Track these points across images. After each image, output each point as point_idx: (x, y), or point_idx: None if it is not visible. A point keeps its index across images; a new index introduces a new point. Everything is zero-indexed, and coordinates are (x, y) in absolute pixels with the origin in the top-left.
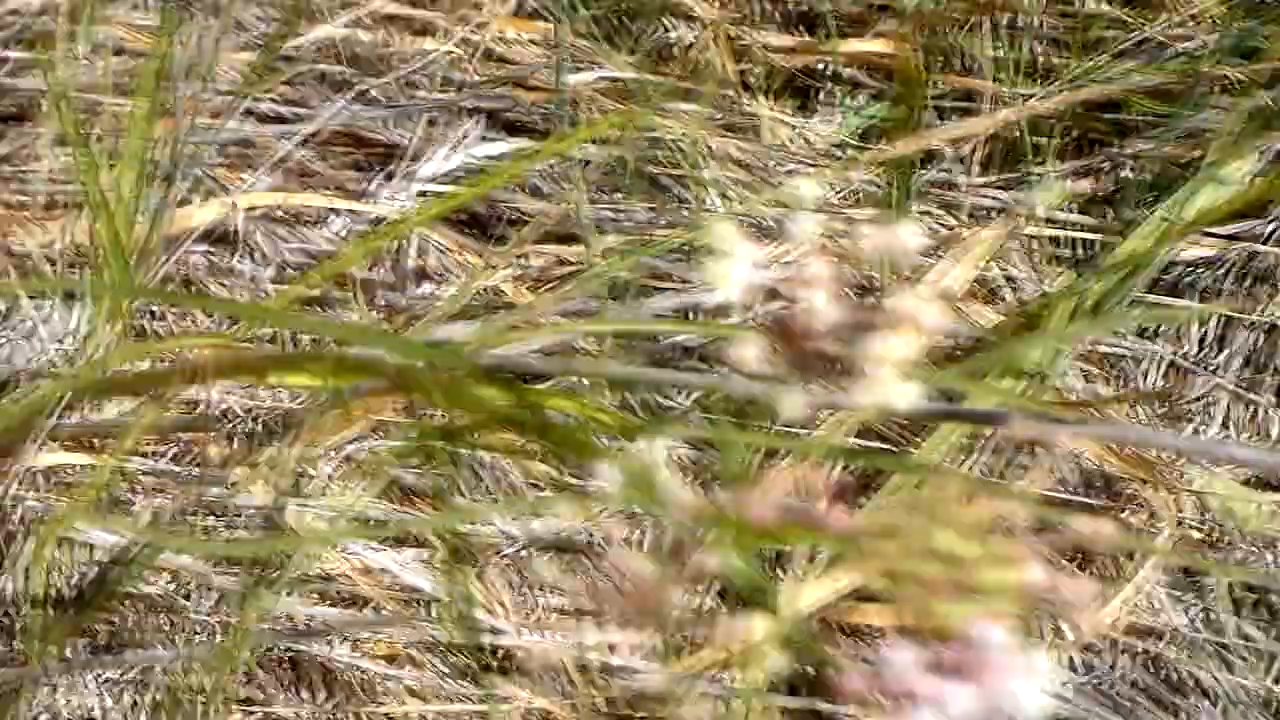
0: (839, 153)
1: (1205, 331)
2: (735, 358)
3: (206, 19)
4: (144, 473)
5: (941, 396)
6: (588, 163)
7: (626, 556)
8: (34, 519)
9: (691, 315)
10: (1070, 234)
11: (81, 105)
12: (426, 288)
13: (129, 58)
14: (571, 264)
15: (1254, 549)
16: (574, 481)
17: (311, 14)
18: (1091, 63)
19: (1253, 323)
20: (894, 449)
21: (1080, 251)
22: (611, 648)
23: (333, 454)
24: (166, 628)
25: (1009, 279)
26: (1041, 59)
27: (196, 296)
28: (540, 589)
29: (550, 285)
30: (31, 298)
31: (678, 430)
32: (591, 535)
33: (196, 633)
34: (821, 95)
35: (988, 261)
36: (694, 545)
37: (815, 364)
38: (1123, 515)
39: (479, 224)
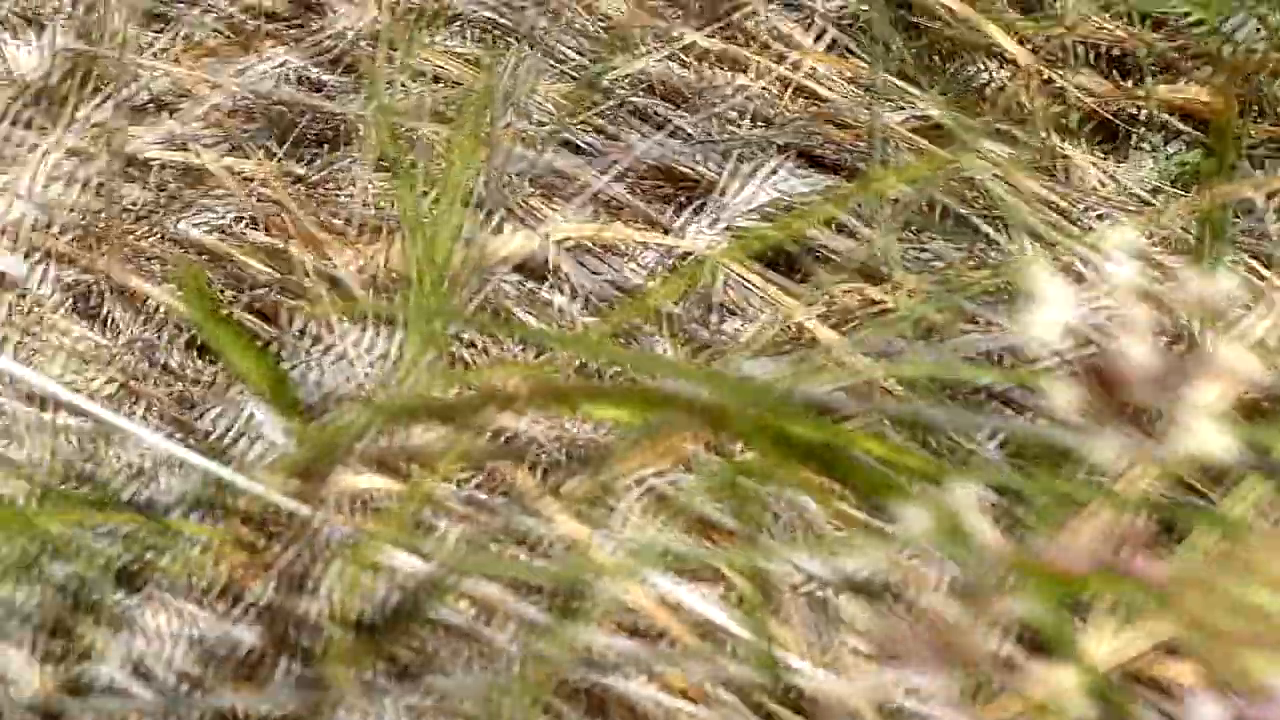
0: (1152, 199)
1: None
2: (1047, 402)
3: (524, 49)
4: (450, 499)
5: (1252, 449)
6: (897, 200)
7: (930, 599)
8: (339, 541)
9: (999, 358)
10: None
11: (399, 131)
12: (731, 322)
13: (447, 85)
14: (877, 303)
15: None
16: (876, 522)
17: (628, 47)
18: None
19: None
20: (1201, 500)
21: None
22: (911, 691)
23: (637, 486)
24: (467, 655)
25: None
26: None
27: (514, 324)
28: (840, 629)
29: (855, 323)
30: (344, 321)
31: (985, 474)
32: (893, 577)
33: (497, 661)
34: (1135, 140)
35: None
36: (998, 591)
37: (1127, 411)
38: None
39: (785, 259)
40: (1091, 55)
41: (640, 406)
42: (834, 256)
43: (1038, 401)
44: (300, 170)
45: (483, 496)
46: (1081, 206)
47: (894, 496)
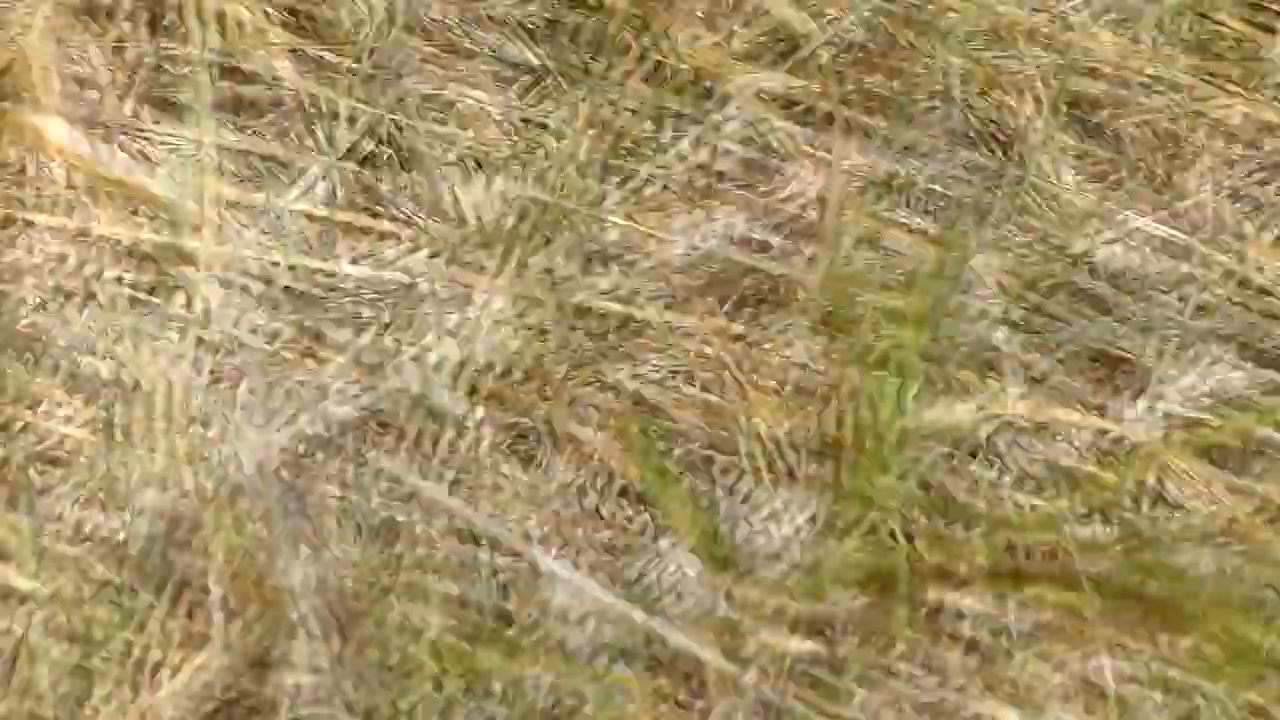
0: None
1: None
2: None
3: (972, 225)
4: (873, 668)
5: None
6: None
7: None
8: (764, 701)
9: None
10: None
11: (843, 296)
12: (1162, 509)
13: (891, 255)
14: None
15: None
16: None
17: (1075, 229)
18: None
19: None
20: None
21: None
22: None
23: (1068, 672)
24: None
25: None
26: None
27: (950, 502)
28: None
29: None
30: (775, 481)
31: None
32: None
33: None
34: None
35: None
36: None
37: None
38: None
39: (1218, 448)
40: None
41: (1083, 592)
42: (1271, 451)
43: None
44: (739, 329)
45: (904, 667)
46: None
47: None
